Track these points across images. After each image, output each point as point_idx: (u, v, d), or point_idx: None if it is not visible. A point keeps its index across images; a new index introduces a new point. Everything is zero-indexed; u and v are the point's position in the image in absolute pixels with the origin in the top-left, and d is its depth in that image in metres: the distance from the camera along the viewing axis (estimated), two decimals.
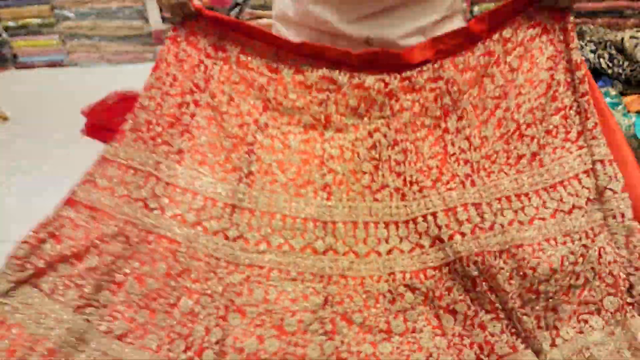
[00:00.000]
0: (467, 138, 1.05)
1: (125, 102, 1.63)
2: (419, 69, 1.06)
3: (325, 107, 1.08)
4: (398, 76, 1.06)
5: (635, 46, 1.60)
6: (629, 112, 1.58)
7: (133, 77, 2.01)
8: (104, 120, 1.61)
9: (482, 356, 0.98)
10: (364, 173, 1.06)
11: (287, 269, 1.04)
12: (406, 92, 1.06)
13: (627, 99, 1.61)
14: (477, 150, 1.05)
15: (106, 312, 1.01)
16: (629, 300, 0.99)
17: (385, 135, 1.06)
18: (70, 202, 1.07)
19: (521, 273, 0.99)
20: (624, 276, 0.99)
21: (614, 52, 1.66)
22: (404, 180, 1.05)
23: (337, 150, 1.07)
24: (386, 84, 1.05)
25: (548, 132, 1.04)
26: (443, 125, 1.06)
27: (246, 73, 1.09)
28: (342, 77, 1.06)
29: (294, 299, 1.02)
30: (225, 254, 1.04)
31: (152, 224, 1.06)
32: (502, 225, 1.01)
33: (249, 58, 1.09)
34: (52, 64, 2.33)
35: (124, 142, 1.09)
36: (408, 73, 1.06)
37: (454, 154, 1.05)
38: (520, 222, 1.01)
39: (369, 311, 1.01)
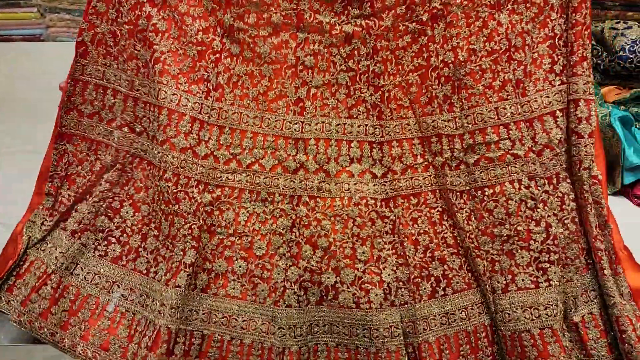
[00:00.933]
0: (454, 49, 0.99)
1: None
2: None
3: (296, 1, 0.99)
4: None
5: (615, 37, 1.62)
6: (605, 102, 1.62)
7: None
8: None
9: (437, 289, 0.97)
10: (340, 85, 1.00)
11: (257, 190, 1.00)
12: None
13: (604, 90, 1.64)
14: (462, 64, 0.99)
15: (102, 236, 1.01)
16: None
17: (364, 42, 0.99)
18: (64, 136, 1.07)
19: (478, 215, 0.98)
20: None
21: (593, 42, 1.68)
22: (382, 95, 1.00)
23: (311, 58, 1.00)
24: None
25: (533, 60, 0.99)
26: (429, 32, 0.99)
27: None
28: None
29: (264, 222, 1.00)
30: (194, 172, 1.00)
31: (140, 148, 1.05)
32: (468, 165, 0.98)
33: None
34: (30, 38, 2.27)
35: (90, 58, 1.04)
36: None
37: (437, 67, 0.99)
38: (489, 159, 0.98)
39: (335, 236, 0.98)
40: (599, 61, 1.66)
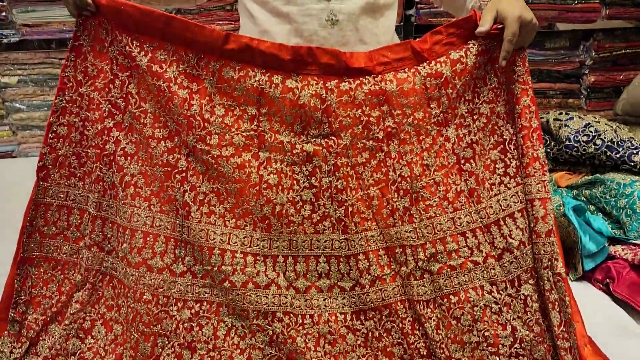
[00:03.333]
0: (409, 164, 1.03)
1: None
2: (359, 80, 1.00)
3: (257, 123, 1.01)
4: (336, 90, 1.00)
5: (559, 128, 1.74)
6: (559, 187, 1.71)
7: None
8: None
9: None
10: (304, 202, 1.03)
11: (232, 305, 1.01)
12: (346, 107, 1.01)
13: (555, 176, 1.74)
14: (417, 179, 1.02)
15: (74, 359, 0.99)
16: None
17: (325, 160, 1.02)
18: (26, 260, 1.06)
19: (446, 323, 0.99)
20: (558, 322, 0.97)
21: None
22: (346, 210, 1.02)
23: (274, 177, 1.02)
24: (323, 100, 1.00)
25: (486, 166, 1.03)
26: (385, 148, 1.03)
27: (163, 85, 0.98)
28: (273, 90, 0.99)
29: (242, 336, 1.00)
30: (173, 291, 1.01)
31: (110, 267, 1.05)
32: (432, 273, 1.01)
33: (163, 67, 0.98)
34: (2, 155, 2.31)
35: (52, 180, 1.05)
36: (346, 86, 1.00)
37: (395, 181, 1.03)
38: (452, 267, 1.01)
39: (310, 353, 0.98)
40: (548, 149, 1.76)
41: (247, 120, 1.00)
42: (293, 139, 1.01)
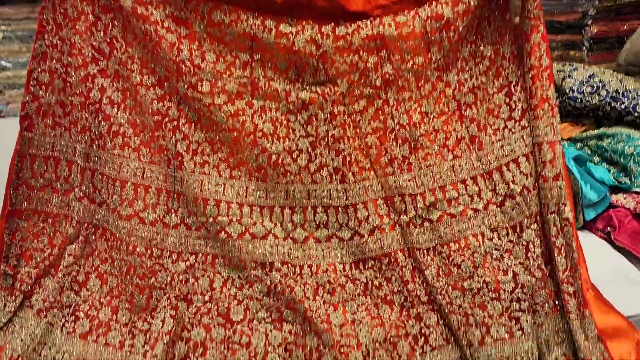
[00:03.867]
0: (407, 112, 1.00)
1: None
2: (356, 25, 0.96)
3: (250, 70, 0.97)
4: (331, 35, 0.95)
5: (563, 79, 1.70)
6: (561, 139, 1.68)
7: None
8: None
9: (415, 347, 0.96)
10: (301, 152, 1.00)
11: (229, 257, 0.99)
12: (342, 53, 0.97)
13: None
14: (416, 126, 1.00)
15: (68, 312, 0.99)
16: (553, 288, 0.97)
17: (321, 108, 0.99)
18: (15, 213, 1.03)
19: (446, 271, 0.98)
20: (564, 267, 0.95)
21: None
22: (343, 159, 1.00)
23: (269, 125, 0.99)
24: (318, 46, 0.96)
25: (489, 111, 1.00)
26: (383, 96, 1.00)
27: (149, 29, 0.93)
28: (266, 35, 0.94)
29: (239, 287, 0.99)
30: (167, 243, 0.99)
31: (102, 219, 1.02)
32: (431, 222, 0.99)
33: (149, 9, 0.93)
34: None
35: (37, 130, 1.01)
36: (343, 30, 0.96)
37: (394, 129, 1.00)
38: (452, 215, 0.99)
39: (309, 302, 0.97)
40: None
41: (240, 66, 0.96)
42: (288, 87, 0.98)
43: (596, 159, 1.54)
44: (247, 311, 0.99)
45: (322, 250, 1.01)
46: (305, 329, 0.97)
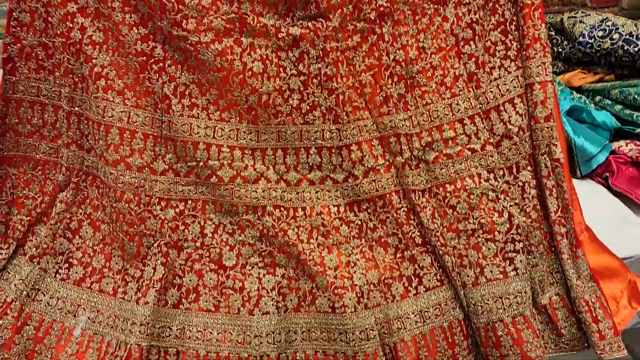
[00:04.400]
0: (404, 47, 0.97)
1: None
2: None
3: (237, 4, 0.94)
4: None
5: (574, 24, 1.63)
6: (572, 86, 1.61)
7: None
8: None
9: (410, 288, 0.96)
10: (292, 91, 0.97)
11: (220, 202, 0.98)
12: None
13: (568, 75, 1.64)
14: (413, 63, 0.97)
15: (62, 259, 1.00)
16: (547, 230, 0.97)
17: (313, 44, 0.95)
18: (4, 160, 1.02)
19: (442, 212, 0.97)
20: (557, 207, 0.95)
21: (552, 33, 1.69)
22: (336, 98, 0.97)
23: (259, 64, 0.95)
24: None
25: (486, 49, 0.98)
26: (378, 30, 0.97)
27: None
28: None
29: (231, 232, 0.98)
30: (155, 190, 0.98)
31: (91, 166, 1.01)
32: (427, 163, 0.98)
33: None
34: None
35: (21, 74, 0.99)
36: None
37: (389, 66, 0.97)
38: (448, 156, 0.97)
39: (302, 245, 0.97)
40: (560, 49, 1.67)
41: (227, 2, 0.93)
42: (277, 22, 0.94)
43: (608, 101, 1.47)
44: (240, 257, 0.98)
45: (316, 192, 1.00)
46: (298, 272, 0.97)
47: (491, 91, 0.97)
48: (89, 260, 1.01)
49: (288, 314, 0.95)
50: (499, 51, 0.97)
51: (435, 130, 0.98)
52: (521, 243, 0.96)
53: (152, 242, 0.97)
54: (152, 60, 0.95)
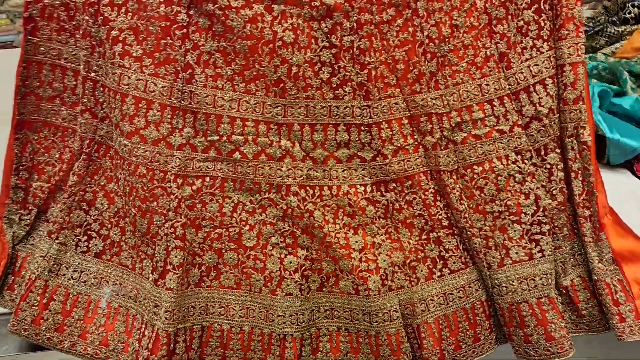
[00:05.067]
0: (437, 24, 0.94)
1: None
2: None
3: None
4: None
5: None
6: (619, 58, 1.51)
7: None
8: None
9: (434, 270, 0.95)
10: (323, 63, 0.93)
11: (241, 179, 0.94)
12: None
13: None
14: (445, 41, 0.95)
15: (80, 231, 0.98)
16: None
17: (347, 15, 0.91)
18: (24, 124, 0.99)
19: (469, 194, 0.96)
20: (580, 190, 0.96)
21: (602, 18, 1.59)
22: (368, 73, 0.93)
23: (290, 33, 0.91)
24: None
25: (518, 29, 0.96)
26: (413, 5, 0.94)
27: None
28: None
29: (251, 212, 0.94)
30: (170, 165, 0.92)
31: (105, 135, 0.97)
32: (456, 143, 0.96)
33: None
34: (2, 46, 2.18)
35: (42, 35, 0.96)
36: None
37: (423, 43, 0.94)
38: (477, 137, 0.96)
39: (328, 226, 0.94)
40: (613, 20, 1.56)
41: None
42: None
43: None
44: (260, 237, 0.95)
45: (343, 170, 0.96)
46: (321, 254, 0.95)
47: (522, 72, 0.96)
48: (106, 232, 0.98)
49: (311, 295, 0.95)
50: (531, 31, 0.96)
51: (465, 110, 0.96)
52: (547, 225, 0.95)
53: (164, 221, 0.92)
54: (175, 25, 0.90)
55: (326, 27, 0.91)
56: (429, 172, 0.97)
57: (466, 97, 0.96)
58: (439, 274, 0.96)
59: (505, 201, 0.95)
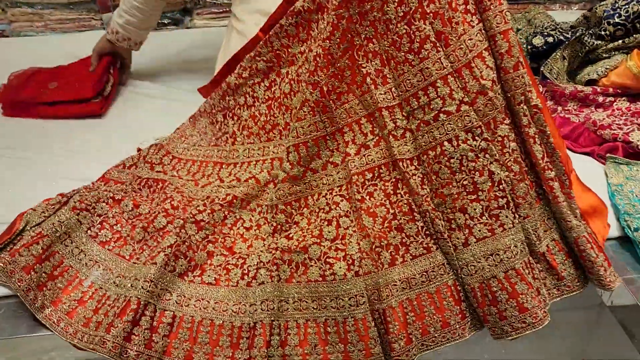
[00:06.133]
0: (372, 24, 0.99)
1: (39, 75, 1.62)
2: None
3: (270, 46, 1.14)
4: None
5: (595, 10, 1.57)
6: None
7: (79, 45, 1.90)
8: (20, 96, 1.54)
9: (397, 256, 0.95)
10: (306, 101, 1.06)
11: (247, 200, 1.07)
12: None
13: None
14: (383, 37, 0.98)
15: (98, 220, 1.08)
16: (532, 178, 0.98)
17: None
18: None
19: (427, 180, 0.97)
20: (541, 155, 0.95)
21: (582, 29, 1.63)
22: (321, 91, 1.03)
23: (287, 85, 1.09)
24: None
25: (449, 3, 0.94)
26: (346, 14, 1.00)
27: None
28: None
29: (248, 228, 1.07)
30: (200, 194, 1.13)
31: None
32: (412, 132, 0.97)
33: None
34: None
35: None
36: None
37: (362, 45, 1.01)
38: (426, 122, 0.96)
39: (308, 227, 1.02)
40: (590, 33, 1.60)
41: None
42: (301, 48, 1.14)
43: None
44: (250, 248, 1.04)
45: (320, 178, 1.06)
46: (291, 246, 1.00)
47: (460, 47, 0.94)
48: (119, 229, 1.08)
49: (281, 284, 0.97)
50: (459, 5, 0.94)
51: (412, 98, 0.98)
52: (504, 199, 0.94)
53: (182, 223, 1.05)
54: (227, 109, 1.25)
55: (309, 68, 1.07)
56: (389, 163, 1.01)
57: (410, 85, 0.97)
58: (401, 260, 0.96)
59: (460, 182, 0.94)
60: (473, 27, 0.93)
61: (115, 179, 1.20)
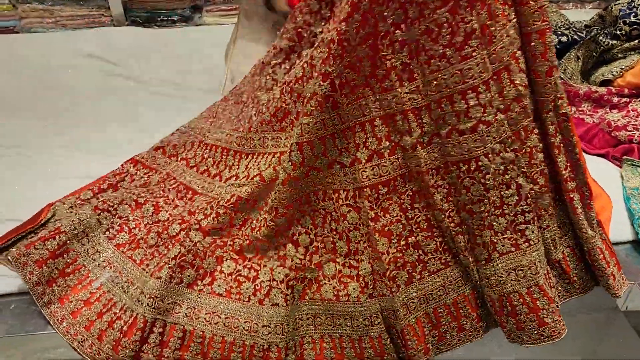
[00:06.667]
0: (402, 6, 0.81)
1: None
2: None
3: (294, 21, 1.04)
4: None
5: (611, 9, 1.55)
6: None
7: (89, 42, 1.90)
8: None
9: (414, 274, 0.91)
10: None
11: (253, 200, 1.00)
12: None
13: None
14: (414, 23, 0.82)
15: (118, 222, 1.07)
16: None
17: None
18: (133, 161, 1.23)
19: (454, 192, 0.88)
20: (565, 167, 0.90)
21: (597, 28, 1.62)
22: (331, 83, 0.88)
23: (300, 68, 0.96)
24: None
25: None
26: None
27: None
28: None
29: (254, 227, 0.98)
30: (208, 189, 1.11)
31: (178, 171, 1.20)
32: (440, 137, 0.85)
33: None
34: (4, 31, 2.18)
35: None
36: None
37: (388, 32, 0.84)
38: (460, 132, 0.84)
39: (317, 230, 0.94)
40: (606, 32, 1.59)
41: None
42: (323, 26, 1.02)
43: None
44: (258, 250, 0.99)
45: (325, 177, 0.94)
46: (305, 262, 0.95)
47: (501, 47, 0.81)
48: (136, 232, 1.05)
49: (295, 304, 0.94)
50: None
51: (446, 101, 0.84)
52: (531, 213, 0.88)
53: (186, 230, 1.02)
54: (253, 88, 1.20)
55: (322, 55, 0.91)
56: (406, 174, 0.91)
57: (445, 85, 0.82)
58: (418, 277, 0.92)
59: (490, 198, 0.87)
60: (510, 21, 0.81)
61: (143, 161, 1.22)
